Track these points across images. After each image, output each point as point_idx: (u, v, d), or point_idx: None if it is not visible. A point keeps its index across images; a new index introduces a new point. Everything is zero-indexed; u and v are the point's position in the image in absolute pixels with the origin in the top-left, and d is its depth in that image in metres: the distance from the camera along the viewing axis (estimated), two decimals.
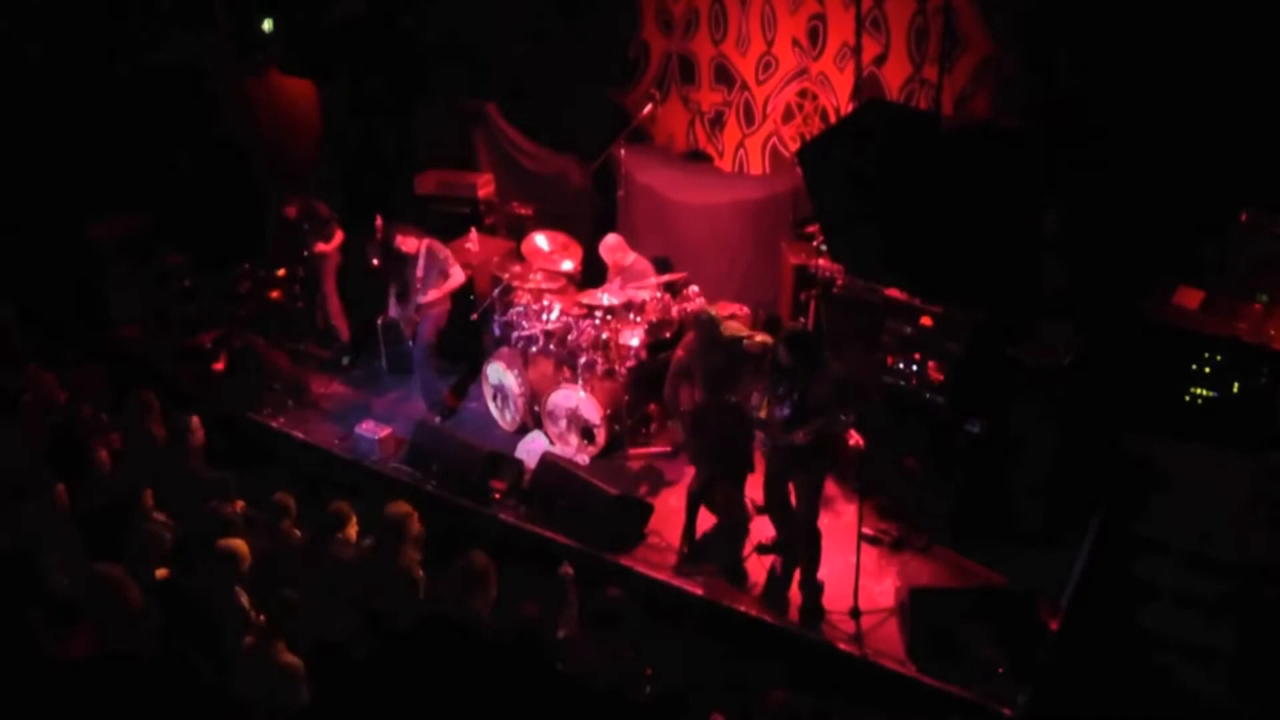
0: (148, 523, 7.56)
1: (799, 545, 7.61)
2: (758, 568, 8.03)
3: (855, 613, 7.54)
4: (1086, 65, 8.13)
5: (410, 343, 9.99)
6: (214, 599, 6.71)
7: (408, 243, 9.54)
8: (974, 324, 7.96)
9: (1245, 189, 7.36)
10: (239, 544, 6.92)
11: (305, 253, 10.51)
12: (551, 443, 9.32)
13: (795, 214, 9.87)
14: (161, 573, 6.94)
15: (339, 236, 10.49)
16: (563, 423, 9.23)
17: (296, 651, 6.23)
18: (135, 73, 11.69)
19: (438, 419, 9.89)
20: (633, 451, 9.32)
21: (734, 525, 8.19)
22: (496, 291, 9.88)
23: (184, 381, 10.30)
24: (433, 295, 9.62)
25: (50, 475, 7.91)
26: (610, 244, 9.51)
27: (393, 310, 9.97)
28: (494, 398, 9.79)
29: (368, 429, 9.52)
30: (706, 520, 8.27)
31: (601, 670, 6.45)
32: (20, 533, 7.40)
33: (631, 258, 9.49)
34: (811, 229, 9.38)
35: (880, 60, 9.53)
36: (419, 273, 9.63)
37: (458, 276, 9.75)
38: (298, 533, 7.63)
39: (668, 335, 9.32)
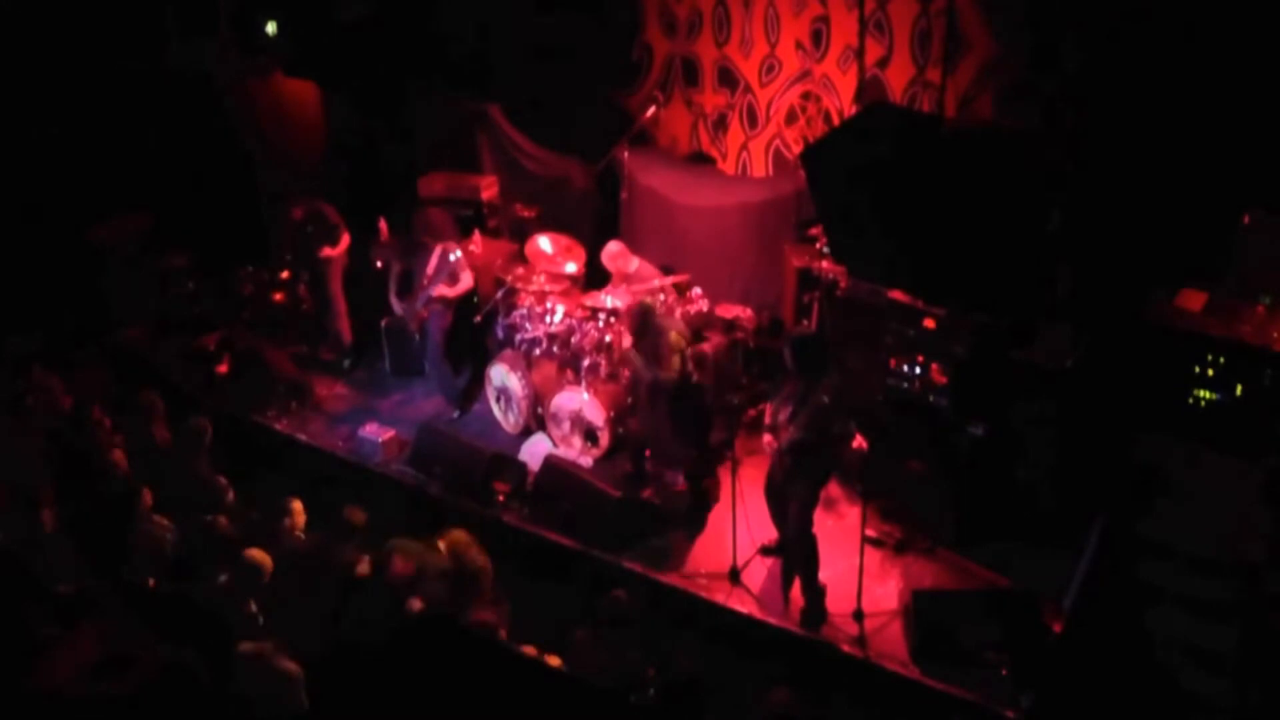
0: (146, 525, 7.58)
1: (795, 551, 7.61)
2: (759, 569, 8.03)
3: (859, 615, 7.54)
4: (1091, 66, 8.12)
5: (416, 337, 10.02)
6: (223, 605, 6.71)
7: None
8: (977, 326, 7.95)
9: (1249, 190, 7.35)
10: (262, 556, 6.92)
11: (311, 256, 10.51)
12: (555, 445, 9.32)
13: (798, 216, 9.86)
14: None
15: (345, 241, 10.49)
16: (566, 425, 9.23)
17: (295, 658, 6.24)
18: (139, 74, 11.74)
19: (456, 413, 9.95)
20: None
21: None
22: (500, 294, 9.89)
23: (187, 384, 10.31)
24: (439, 293, 9.63)
25: (52, 477, 7.94)
26: (612, 252, 9.49)
27: (394, 304, 9.95)
28: (497, 400, 9.79)
29: (371, 431, 9.53)
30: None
31: (604, 671, 6.47)
32: (23, 535, 7.43)
33: (635, 264, 9.48)
34: (815, 231, 9.38)
35: (883, 62, 9.53)
36: (429, 269, 9.64)
37: (466, 282, 9.75)
38: (301, 536, 7.65)
39: None
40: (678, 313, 9.33)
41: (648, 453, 8.85)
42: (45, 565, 7.03)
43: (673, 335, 8.43)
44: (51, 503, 7.65)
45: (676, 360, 8.29)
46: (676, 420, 8.53)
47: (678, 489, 8.79)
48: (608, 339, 9.10)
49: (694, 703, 6.29)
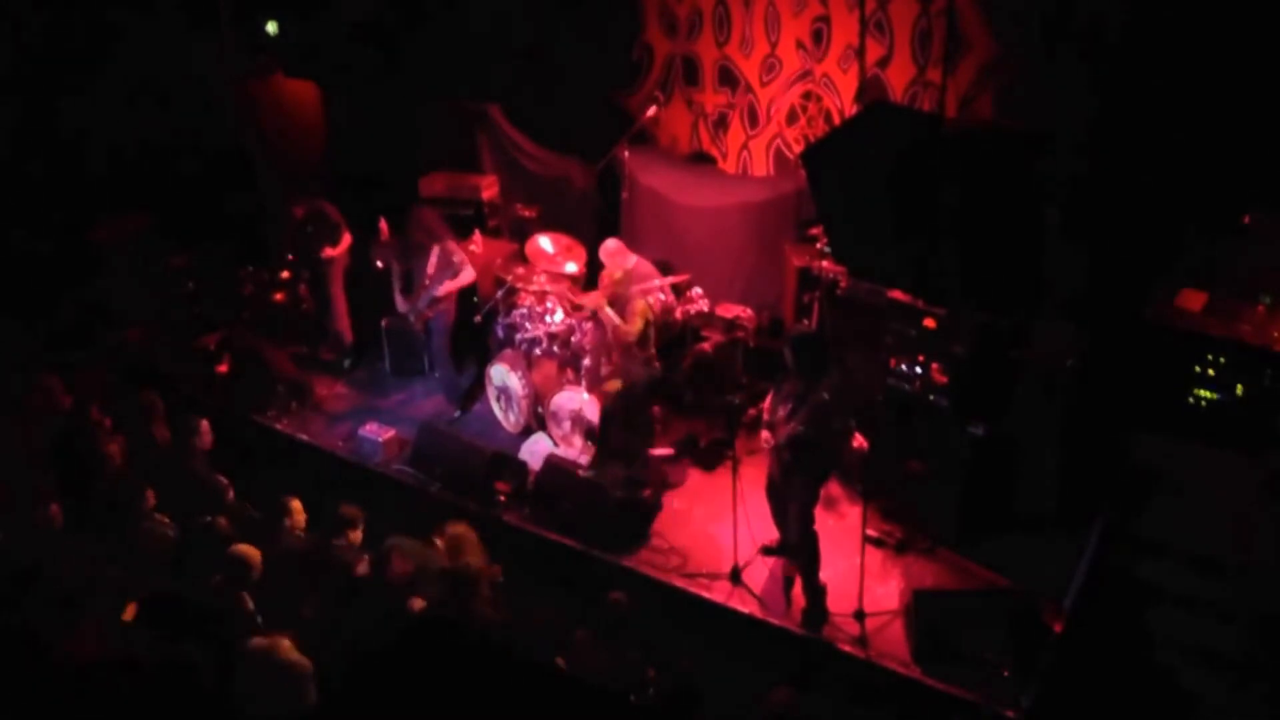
0: (149, 522, 7.60)
1: (798, 550, 7.62)
2: (760, 569, 8.04)
3: (859, 615, 7.55)
4: (1093, 68, 8.12)
5: (423, 335, 10.05)
6: (219, 603, 6.73)
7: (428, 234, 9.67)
8: (977, 326, 7.96)
9: (1249, 191, 7.35)
10: (251, 551, 6.93)
11: (312, 256, 10.51)
12: (555, 444, 9.32)
13: (799, 216, 9.87)
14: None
15: (346, 241, 10.49)
16: (566, 424, 9.23)
17: (304, 653, 6.26)
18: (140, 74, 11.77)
19: (456, 412, 9.95)
20: None
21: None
22: (500, 293, 9.89)
23: (188, 383, 10.32)
24: (444, 290, 9.63)
25: (54, 477, 7.95)
26: (609, 249, 9.46)
27: (399, 303, 9.95)
28: (498, 400, 9.80)
29: (371, 431, 9.54)
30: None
31: (605, 671, 6.48)
32: (26, 535, 7.44)
33: (633, 260, 9.47)
34: (815, 231, 9.39)
35: (884, 62, 9.53)
36: (429, 269, 9.64)
37: (467, 275, 9.75)
38: (301, 535, 7.65)
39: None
40: (678, 312, 9.34)
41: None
42: (49, 564, 7.04)
43: (640, 304, 8.69)
44: (55, 502, 7.67)
45: (639, 323, 8.64)
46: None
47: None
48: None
49: (691, 705, 6.29)
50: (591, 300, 9.16)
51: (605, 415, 8.91)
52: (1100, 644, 6.81)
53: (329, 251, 10.42)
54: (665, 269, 10.02)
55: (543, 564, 8.36)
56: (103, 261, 11.38)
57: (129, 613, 6.76)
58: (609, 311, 8.72)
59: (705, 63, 10.79)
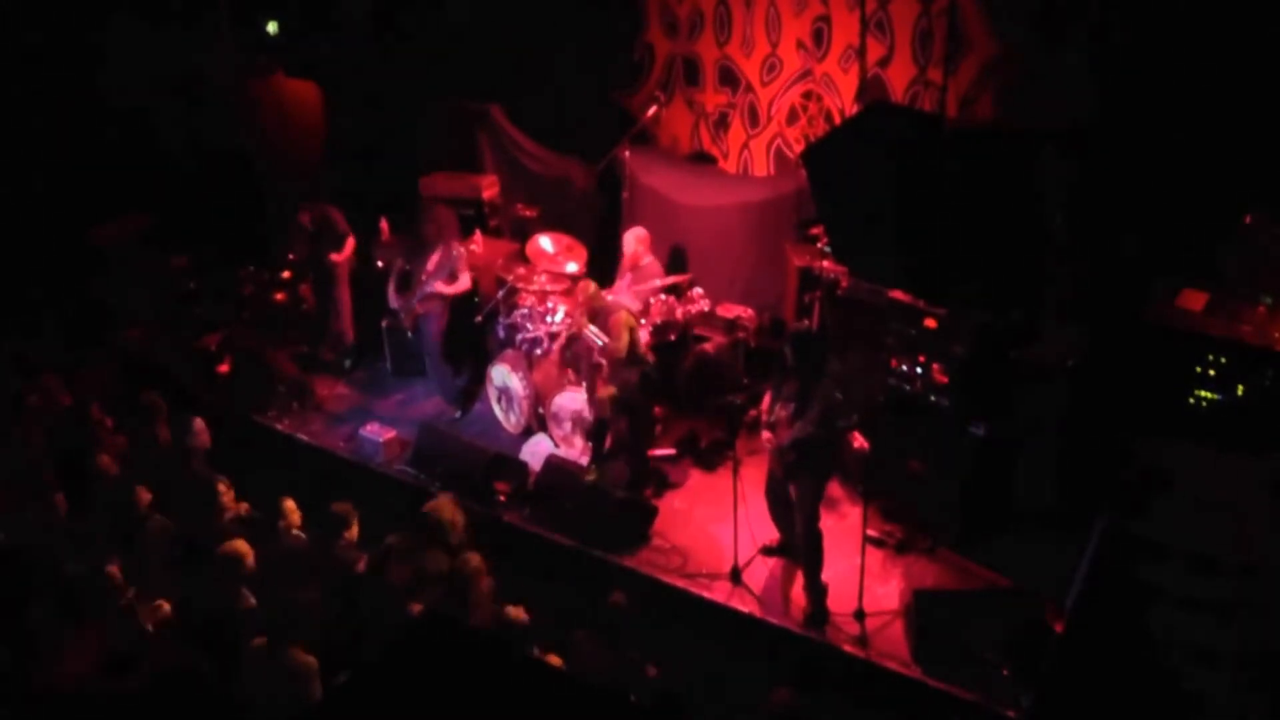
0: (149, 520, 7.60)
1: (800, 548, 7.62)
2: (760, 569, 8.04)
3: (860, 615, 7.55)
4: (1094, 68, 8.12)
5: (410, 334, 10.02)
6: (220, 602, 6.73)
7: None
8: (977, 326, 7.95)
9: (1250, 191, 7.34)
10: (242, 546, 6.94)
11: (319, 261, 10.51)
12: (556, 445, 9.32)
13: (799, 216, 9.87)
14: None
15: (350, 244, 10.50)
16: (567, 425, 9.23)
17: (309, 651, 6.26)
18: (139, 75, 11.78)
19: (457, 413, 9.96)
20: None
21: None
22: (501, 294, 9.89)
23: (189, 384, 10.32)
24: (437, 289, 9.63)
25: (53, 477, 7.95)
26: (639, 234, 9.48)
27: (391, 298, 9.95)
28: (498, 400, 9.79)
29: (372, 431, 9.54)
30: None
31: (605, 670, 6.48)
32: (23, 534, 7.45)
33: (648, 259, 9.47)
34: (816, 231, 9.39)
35: (885, 62, 9.53)
36: (429, 266, 9.64)
37: (464, 282, 9.75)
38: (302, 535, 7.66)
39: (672, 337, 9.33)
40: (679, 312, 9.34)
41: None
42: (57, 556, 7.05)
43: (622, 315, 8.61)
44: (58, 497, 7.69)
45: (626, 337, 8.53)
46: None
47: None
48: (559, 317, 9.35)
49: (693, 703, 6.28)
50: (574, 323, 9.13)
51: (601, 423, 8.88)
52: (1100, 644, 6.80)
53: (335, 257, 10.42)
54: (680, 259, 10.02)
55: (543, 564, 8.36)
56: (103, 261, 11.37)
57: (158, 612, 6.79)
58: (592, 331, 8.68)
59: (706, 62, 10.79)
